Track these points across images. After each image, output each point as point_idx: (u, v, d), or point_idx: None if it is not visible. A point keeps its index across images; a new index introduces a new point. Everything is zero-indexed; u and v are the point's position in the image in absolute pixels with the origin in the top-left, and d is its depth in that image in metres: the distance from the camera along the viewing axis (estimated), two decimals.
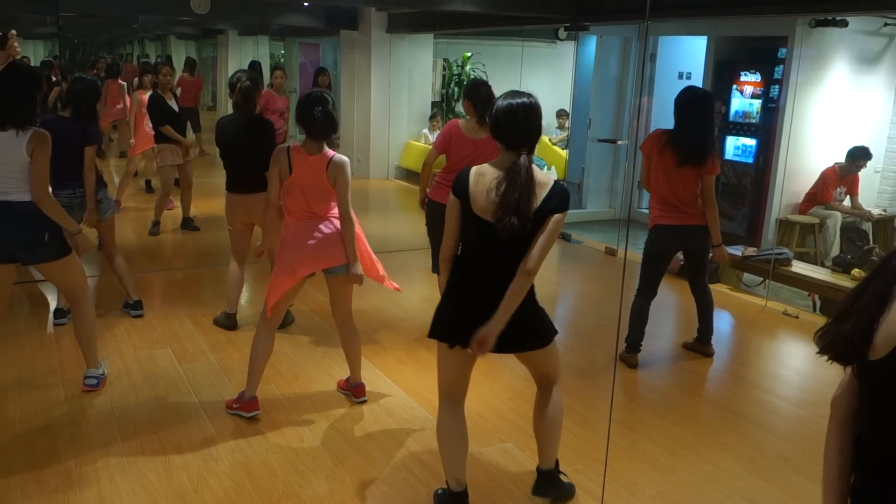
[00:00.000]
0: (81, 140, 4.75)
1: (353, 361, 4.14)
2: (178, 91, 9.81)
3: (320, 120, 3.62)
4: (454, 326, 2.91)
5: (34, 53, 11.09)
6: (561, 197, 2.81)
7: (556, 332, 3.10)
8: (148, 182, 9.79)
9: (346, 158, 3.74)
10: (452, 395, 3.04)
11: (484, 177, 2.80)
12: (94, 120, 5.02)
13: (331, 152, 3.72)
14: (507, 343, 2.92)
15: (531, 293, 2.91)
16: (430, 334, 2.99)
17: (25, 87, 3.40)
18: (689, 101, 4.54)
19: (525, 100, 2.80)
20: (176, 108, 7.55)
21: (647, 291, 4.75)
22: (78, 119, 4.83)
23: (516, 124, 2.79)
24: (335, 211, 3.78)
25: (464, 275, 2.92)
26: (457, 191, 2.85)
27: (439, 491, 3.21)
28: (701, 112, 4.55)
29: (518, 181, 2.71)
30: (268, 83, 8.85)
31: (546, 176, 2.84)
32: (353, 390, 4.17)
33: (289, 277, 3.75)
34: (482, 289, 2.85)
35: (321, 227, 3.76)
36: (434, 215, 4.75)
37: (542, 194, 2.77)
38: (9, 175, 3.60)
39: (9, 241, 3.69)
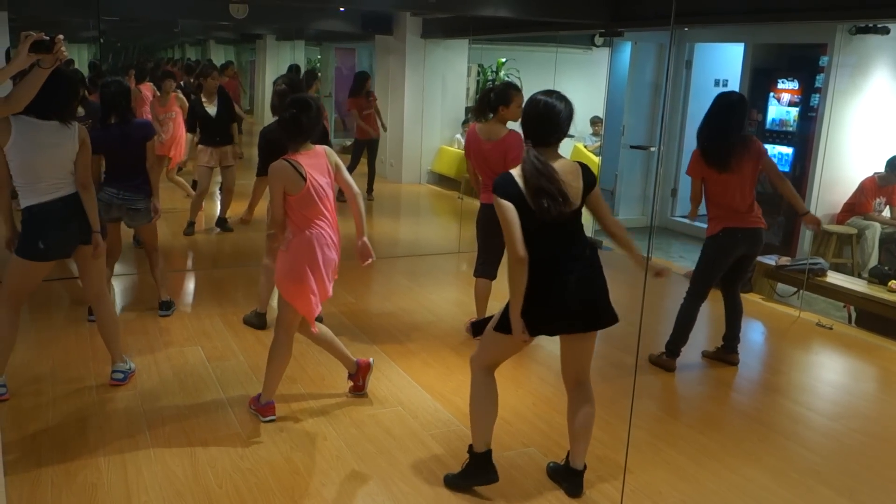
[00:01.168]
0: (140, 140, 4.90)
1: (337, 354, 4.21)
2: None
3: (305, 125, 3.67)
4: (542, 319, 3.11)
5: (78, 57, 11.31)
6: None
7: None
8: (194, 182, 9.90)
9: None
10: (495, 366, 3.30)
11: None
12: (135, 114, 5.17)
13: (316, 147, 3.79)
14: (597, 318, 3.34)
15: None
16: (530, 333, 3.07)
17: (59, 86, 3.57)
18: (732, 104, 4.56)
19: (555, 100, 3.07)
20: (213, 112, 7.59)
21: (703, 296, 4.73)
22: (125, 122, 4.89)
23: (543, 122, 3.06)
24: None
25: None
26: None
27: (449, 476, 3.38)
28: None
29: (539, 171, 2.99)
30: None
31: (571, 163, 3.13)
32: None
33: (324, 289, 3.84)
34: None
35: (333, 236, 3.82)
36: (487, 219, 4.58)
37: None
38: (65, 169, 3.84)
39: (73, 230, 3.91)
